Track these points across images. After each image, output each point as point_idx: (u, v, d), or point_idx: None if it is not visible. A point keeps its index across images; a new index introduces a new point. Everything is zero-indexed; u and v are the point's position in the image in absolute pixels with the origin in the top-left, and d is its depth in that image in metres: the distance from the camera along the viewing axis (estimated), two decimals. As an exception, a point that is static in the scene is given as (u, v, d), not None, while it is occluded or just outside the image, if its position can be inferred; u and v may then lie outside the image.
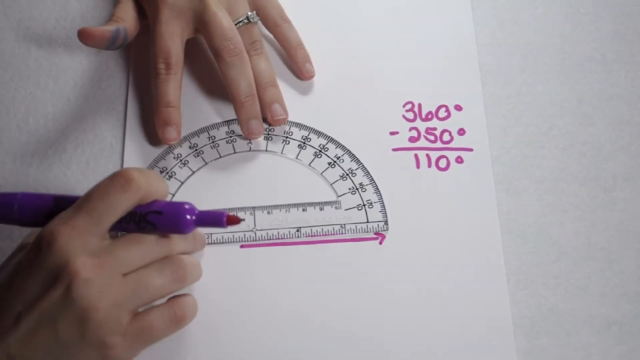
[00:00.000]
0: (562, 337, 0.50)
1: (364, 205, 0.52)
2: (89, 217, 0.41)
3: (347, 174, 0.53)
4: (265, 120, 0.54)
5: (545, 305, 0.50)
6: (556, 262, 0.52)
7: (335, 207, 0.52)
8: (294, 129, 0.55)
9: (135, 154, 0.54)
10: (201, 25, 0.53)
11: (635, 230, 0.53)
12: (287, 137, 0.54)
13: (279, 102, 0.55)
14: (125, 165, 0.53)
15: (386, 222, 0.52)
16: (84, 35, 0.51)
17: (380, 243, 0.51)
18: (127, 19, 0.54)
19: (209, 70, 0.56)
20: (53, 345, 0.41)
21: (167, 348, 0.47)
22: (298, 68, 0.57)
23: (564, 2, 0.61)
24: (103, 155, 0.54)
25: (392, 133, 0.55)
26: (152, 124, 0.54)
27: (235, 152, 0.54)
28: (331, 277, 0.50)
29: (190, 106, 0.55)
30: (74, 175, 0.53)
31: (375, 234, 0.52)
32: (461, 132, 0.55)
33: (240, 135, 0.54)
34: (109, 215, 0.42)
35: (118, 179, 0.42)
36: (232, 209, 0.52)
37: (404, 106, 0.56)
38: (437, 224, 0.52)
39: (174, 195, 0.52)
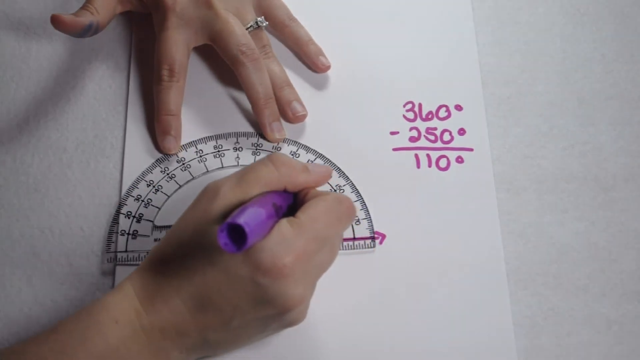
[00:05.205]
0: (562, 336, 0.50)
1: None
2: (318, 244, 0.42)
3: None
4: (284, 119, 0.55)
5: (546, 305, 0.50)
6: (556, 262, 0.52)
7: (341, 240, 0.52)
8: (282, 144, 0.54)
9: (136, 154, 0.54)
10: (214, 34, 0.53)
11: (635, 230, 0.53)
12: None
13: (297, 100, 0.55)
14: (125, 166, 0.53)
15: (373, 239, 0.51)
16: (56, 22, 0.51)
17: (381, 243, 0.51)
18: (102, 12, 0.53)
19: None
20: (252, 336, 0.44)
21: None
22: (313, 62, 0.57)
23: (564, 2, 0.61)
24: (104, 155, 0.54)
25: (392, 133, 0.55)
26: (153, 124, 0.54)
27: (223, 167, 0.54)
28: (331, 276, 0.50)
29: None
30: (74, 175, 0.53)
31: (376, 233, 0.52)
32: (461, 132, 0.55)
33: (228, 150, 0.54)
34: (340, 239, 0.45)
35: (349, 208, 0.44)
36: None
37: (404, 106, 0.56)
38: (438, 224, 0.52)
39: (159, 209, 0.52)
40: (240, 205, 0.41)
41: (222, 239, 0.37)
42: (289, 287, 0.40)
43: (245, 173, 0.43)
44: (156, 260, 0.43)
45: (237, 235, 0.37)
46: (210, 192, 0.42)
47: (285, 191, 0.44)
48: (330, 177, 0.47)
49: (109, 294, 0.42)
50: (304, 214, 0.42)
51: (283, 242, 0.40)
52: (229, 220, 0.37)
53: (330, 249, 0.43)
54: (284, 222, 0.41)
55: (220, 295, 0.41)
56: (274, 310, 0.41)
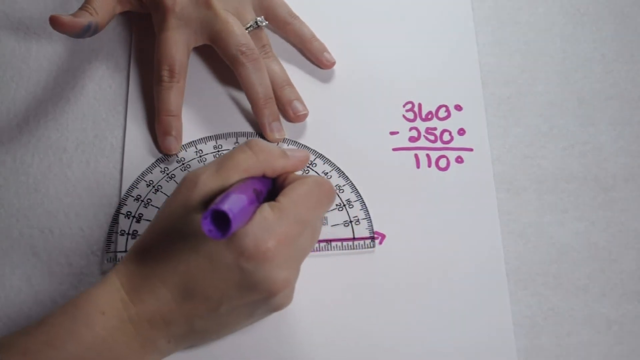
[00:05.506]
0: (562, 337, 0.50)
1: (351, 221, 0.52)
2: (300, 227, 0.42)
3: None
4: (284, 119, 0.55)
5: (546, 305, 0.50)
6: (556, 262, 0.52)
7: (322, 223, 0.52)
8: (282, 144, 0.54)
9: (136, 154, 0.54)
10: (213, 34, 0.53)
11: (635, 230, 0.53)
12: None
13: (298, 99, 0.55)
14: (125, 166, 0.53)
15: (373, 239, 0.51)
16: (55, 23, 0.51)
17: (381, 243, 0.51)
18: (101, 12, 0.53)
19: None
20: (239, 323, 0.45)
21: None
22: (317, 59, 0.57)
23: (564, 2, 0.61)
24: (103, 155, 0.54)
25: (392, 133, 0.55)
26: (153, 124, 0.54)
27: None
28: (330, 276, 0.50)
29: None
30: (74, 175, 0.53)
31: (376, 233, 0.52)
32: (461, 132, 0.55)
33: (228, 150, 0.54)
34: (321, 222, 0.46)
35: (329, 191, 0.44)
36: None
37: (404, 106, 0.56)
38: (437, 224, 0.52)
39: (159, 209, 0.51)
40: (221, 192, 0.41)
41: (206, 226, 0.37)
42: (273, 271, 0.40)
43: (223, 160, 0.43)
44: (140, 251, 0.43)
45: (221, 221, 0.38)
46: (189, 181, 0.42)
47: (264, 177, 0.44)
48: (308, 161, 0.46)
49: (94, 286, 0.42)
50: (285, 198, 0.42)
51: (265, 227, 0.40)
52: (212, 206, 0.37)
53: (311, 232, 0.44)
54: (266, 207, 0.41)
55: (206, 282, 0.41)
56: (260, 295, 0.41)
